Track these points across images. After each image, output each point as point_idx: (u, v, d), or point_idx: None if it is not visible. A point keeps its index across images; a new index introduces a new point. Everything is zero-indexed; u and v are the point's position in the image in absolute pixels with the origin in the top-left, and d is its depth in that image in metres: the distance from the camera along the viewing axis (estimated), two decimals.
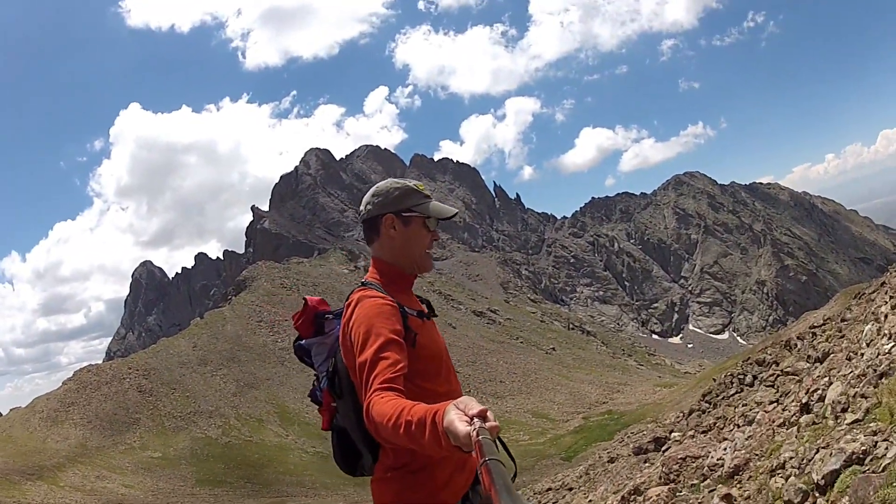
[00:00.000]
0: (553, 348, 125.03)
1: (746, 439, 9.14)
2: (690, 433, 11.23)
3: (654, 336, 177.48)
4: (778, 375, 10.73)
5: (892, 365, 6.97)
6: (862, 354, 7.98)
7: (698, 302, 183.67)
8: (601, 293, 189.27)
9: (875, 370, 7.19)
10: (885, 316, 7.89)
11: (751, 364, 15.82)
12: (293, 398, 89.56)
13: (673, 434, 12.57)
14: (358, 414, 3.25)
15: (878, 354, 7.53)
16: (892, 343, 7.42)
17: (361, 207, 3.68)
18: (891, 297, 8.81)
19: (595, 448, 55.32)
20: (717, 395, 15.72)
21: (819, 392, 8.45)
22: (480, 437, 2.18)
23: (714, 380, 21.29)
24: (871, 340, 7.70)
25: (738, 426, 9.49)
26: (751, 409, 9.65)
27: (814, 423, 7.88)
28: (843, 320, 14.44)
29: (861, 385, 7.26)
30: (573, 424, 77.96)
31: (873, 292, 18.45)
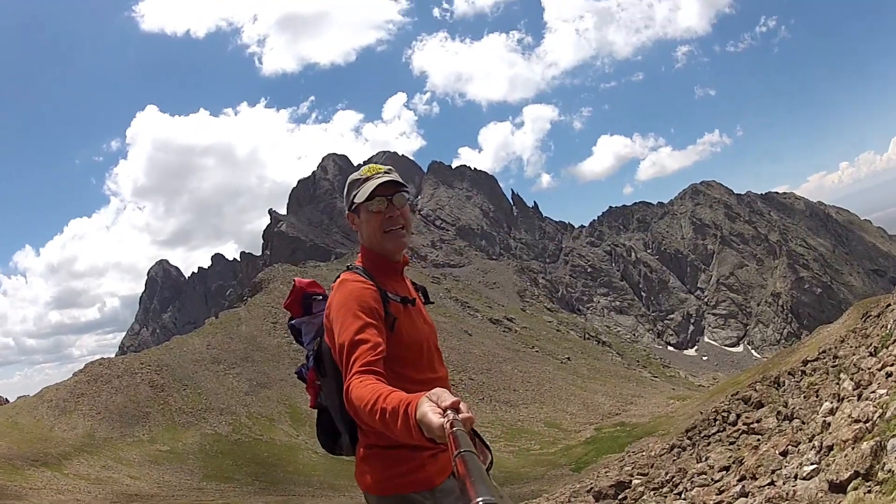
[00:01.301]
0: (568, 358, 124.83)
1: None
2: (646, 485, 11.25)
3: (670, 348, 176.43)
4: (742, 432, 10.75)
5: None
6: (794, 457, 7.87)
7: (714, 314, 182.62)
8: (618, 303, 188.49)
9: None
10: (842, 399, 7.61)
11: (737, 400, 15.80)
12: (305, 399, 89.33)
13: (634, 482, 12.54)
14: (340, 394, 3.31)
15: (795, 477, 7.38)
16: (812, 467, 7.17)
17: None
18: (862, 363, 8.57)
19: (605, 459, 55.21)
20: (700, 433, 15.67)
21: None
22: (455, 429, 2.17)
23: (700, 413, 21.27)
24: (812, 436, 7.56)
25: (686, 490, 9.47)
26: (701, 473, 9.68)
27: None
28: (835, 357, 14.54)
29: None
30: (585, 435, 77.77)
31: (878, 315, 18.41)
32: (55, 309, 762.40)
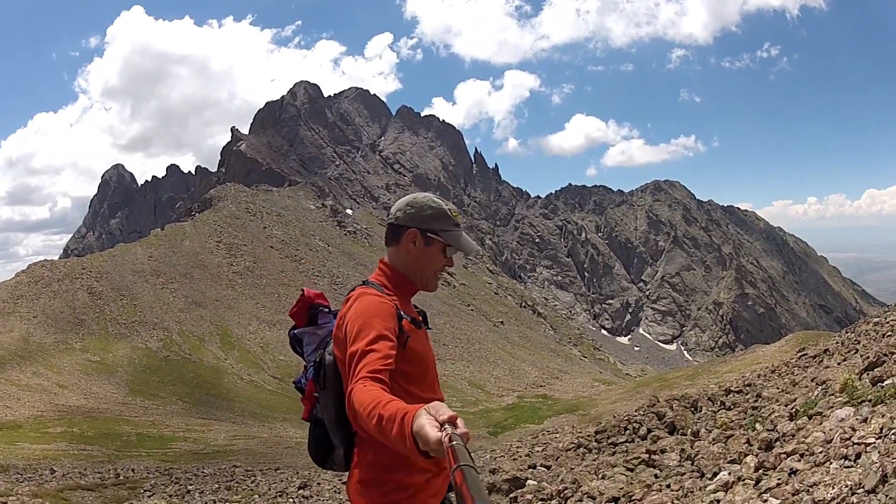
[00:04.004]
0: (502, 322, 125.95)
1: None
2: (535, 493, 11.12)
3: (604, 332, 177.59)
4: (642, 461, 10.38)
5: None
6: None
7: (653, 308, 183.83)
8: (559, 278, 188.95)
9: None
10: (740, 477, 7.24)
11: (652, 414, 15.62)
12: (238, 323, 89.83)
13: (529, 482, 12.57)
14: (338, 407, 3.43)
15: None
16: None
17: (392, 210, 3.74)
18: (779, 433, 8.23)
19: (524, 429, 56.14)
20: (608, 438, 15.28)
21: None
22: (454, 442, 2.21)
23: (614, 416, 21.49)
24: None
25: None
26: (590, 496, 9.44)
27: None
28: (758, 396, 14.54)
29: None
30: (507, 401, 78.72)
31: (814, 357, 18.72)
32: (7, 205, 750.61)
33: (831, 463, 6.16)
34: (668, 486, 8.36)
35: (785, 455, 7.01)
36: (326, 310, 3.84)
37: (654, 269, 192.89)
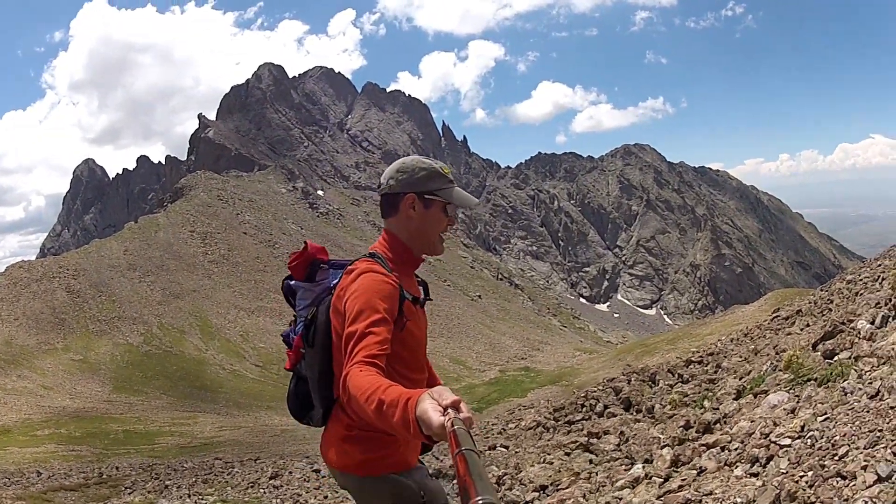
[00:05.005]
0: (479, 296, 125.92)
1: None
2: (495, 465, 10.86)
3: (582, 300, 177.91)
4: (579, 446, 10.11)
5: None
6: None
7: (630, 273, 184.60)
8: (535, 248, 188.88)
9: None
10: (649, 474, 6.82)
11: (609, 389, 15.42)
12: (216, 312, 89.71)
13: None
14: (322, 367, 3.47)
15: None
16: None
17: (382, 180, 3.63)
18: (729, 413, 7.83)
19: (508, 402, 56.63)
20: (565, 416, 15.00)
21: None
22: (455, 427, 2.21)
23: (574, 392, 21.62)
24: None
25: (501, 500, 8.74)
26: (521, 483, 9.12)
27: None
28: (718, 367, 14.40)
29: None
30: (489, 375, 78.89)
31: (787, 318, 18.38)
32: None
33: (737, 467, 5.78)
34: (597, 475, 8.13)
35: (704, 448, 6.70)
36: (326, 266, 3.76)
37: (628, 235, 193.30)
